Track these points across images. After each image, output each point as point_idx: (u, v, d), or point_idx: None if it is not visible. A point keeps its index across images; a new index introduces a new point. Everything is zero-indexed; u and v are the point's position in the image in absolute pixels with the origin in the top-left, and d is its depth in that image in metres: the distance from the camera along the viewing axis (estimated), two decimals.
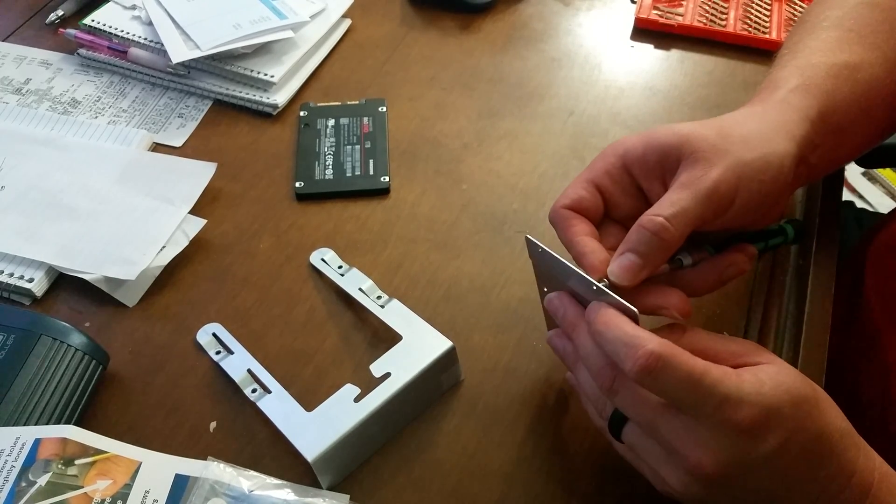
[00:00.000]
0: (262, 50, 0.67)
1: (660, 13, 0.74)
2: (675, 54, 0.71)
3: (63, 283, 0.53)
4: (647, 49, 0.72)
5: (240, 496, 0.40)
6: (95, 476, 0.40)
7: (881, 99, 0.45)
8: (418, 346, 0.45)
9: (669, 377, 0.32)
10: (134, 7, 0.70)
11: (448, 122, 0.65)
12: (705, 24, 0.72)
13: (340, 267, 0.53)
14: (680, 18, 0.73)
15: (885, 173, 1.56)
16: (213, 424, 0.46)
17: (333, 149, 0.62)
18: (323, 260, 0.54)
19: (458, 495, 0.43)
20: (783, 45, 0.48)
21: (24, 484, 0.39)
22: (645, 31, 0.73)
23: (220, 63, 0.66)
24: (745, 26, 0.72)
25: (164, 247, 0.53)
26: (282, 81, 0.66)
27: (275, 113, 0.65)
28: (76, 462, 0.40)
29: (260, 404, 0.44)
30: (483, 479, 0.43)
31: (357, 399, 0.43)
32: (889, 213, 0.67)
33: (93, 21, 0.69)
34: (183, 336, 0.50)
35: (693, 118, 0.53)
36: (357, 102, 0.66)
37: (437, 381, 0.46)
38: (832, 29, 0.46)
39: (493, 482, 0.43)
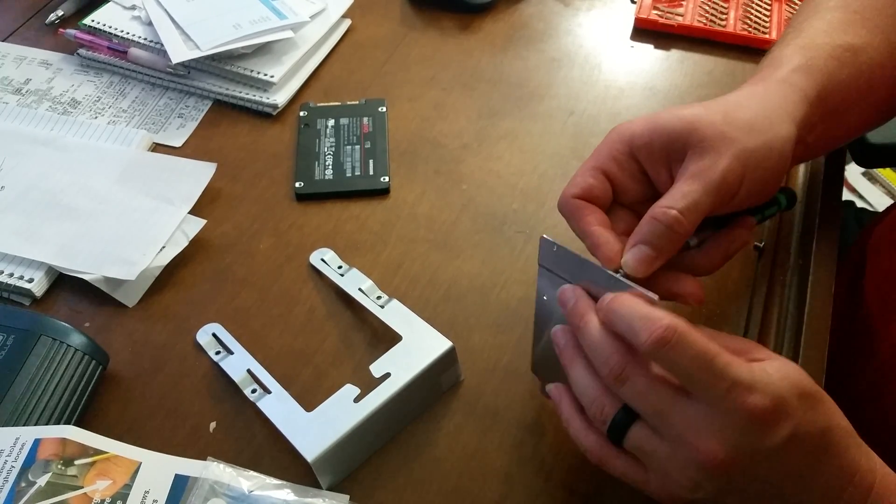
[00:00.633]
0: (262, 50, 0.67)
1: (660, 13, 0.74)
2: (674, 54, 0.71)
3: (63, 283, 0.53)
4: (646, 49, 0.72)
5: (239, 496, 0.40)
6: (95, 476, 0.40)
7: (882, 82, 0.46)
8: (418, 346, 0.45)
9: (684, 352, 0.32)
10: (134, 7, 0.70)
11: (448, 123, 0.65)
12: (705, 25, 0.72)
13: (340, 267, 0.53)
14: (680, 18, 0.73)
15: (885, 173, 1.56)
16: (212, 425, 0.46)
17: (333, 149, 0.62)
18: (323, 260, 0.54)
19: (458, 495, 0.43)
20: (789, 24, 0.49)
21: (23, 484, 0.39)
22: (645, 31, 0.73)
23: (219, 63, 0.66)
24: (745, 26, 0.72)
25: (163, 247, 0.53)
26: (282, 81, 0.66)
27: (275, 113, 0.65)
28: (76, 462, 0.40)
29: (260, 404, 0.44)
30: (483, 479, 0.43)
31: (357, 399, 0.43)
32: (887, 208, 0.67)
33: (93, 21, 0.69)
34: (183, 336, 0.50)
35: None
36: (357, 102, 0.66)
37: (437, 381, 0.46)
38: (837, 10, 0.47)
39: (493, 482, 0.43)
